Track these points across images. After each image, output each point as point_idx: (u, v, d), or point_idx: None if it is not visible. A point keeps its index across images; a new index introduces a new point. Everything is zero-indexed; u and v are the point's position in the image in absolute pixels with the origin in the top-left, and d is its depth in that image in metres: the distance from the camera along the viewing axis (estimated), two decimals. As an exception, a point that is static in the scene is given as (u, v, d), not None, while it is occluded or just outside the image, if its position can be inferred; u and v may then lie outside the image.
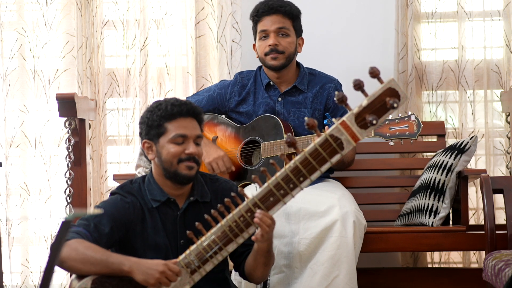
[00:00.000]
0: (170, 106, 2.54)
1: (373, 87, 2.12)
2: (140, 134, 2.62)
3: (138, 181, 2.65)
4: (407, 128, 3.00)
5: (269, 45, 3.29)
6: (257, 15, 3.34)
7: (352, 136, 2.15)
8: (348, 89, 3.41)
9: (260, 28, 3.33)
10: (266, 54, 3.32)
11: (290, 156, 3.19)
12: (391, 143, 3.05)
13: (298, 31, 3.36)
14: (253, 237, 2.42)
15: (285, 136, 3.23)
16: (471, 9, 3.96)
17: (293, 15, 3.33)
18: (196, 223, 2.43)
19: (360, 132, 2.14)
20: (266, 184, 2.31)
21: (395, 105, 2.06)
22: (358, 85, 2.04)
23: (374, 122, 2.08)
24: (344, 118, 2.14)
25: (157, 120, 2.55)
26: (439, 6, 3.98)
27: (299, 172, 2.24)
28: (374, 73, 2.05)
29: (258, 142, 3.34)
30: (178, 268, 2.41)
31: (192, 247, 2.42)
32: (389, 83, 2.09)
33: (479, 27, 3.96)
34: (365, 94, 2.09)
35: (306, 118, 2.13)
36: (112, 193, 2.64)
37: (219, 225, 2.40)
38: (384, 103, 2.09)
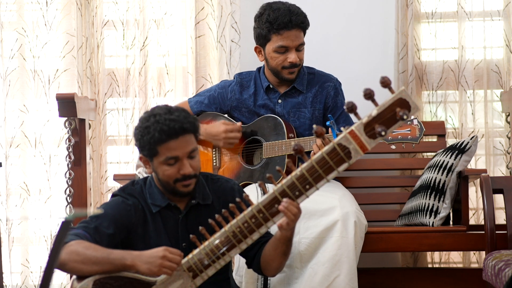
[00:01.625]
0: (158, 133, 2.44)
1: (376, 91, 2.10)
2: (136, 145, 2.57)
3: (140, 183, 2.63)
4: (409, 132, 3.00)
5: (290, 62, 3.26)
6: (276, 27, 3.24)
7: (361, 145, 2.12)
8: (347, 89, 3.45)
9: (279, 43, 3.25)
10: (284, 68, 3.29)
11: (294, 160, 3.22)
12: (393, 147, 3.05)
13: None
14: (277, 224, 2.38)
15: (288, 141, 3.24)
16: (471, 9, 3.96)
17: (308, 26, 3.29)
18: (200, 228, 2.42)
19: (369, 142, 2.11)
20: (271, 191, 2.29)
21: (405, 117, 2.02)
22: (369, 95, 2.01)
23: (383, 133, 2.04)
24: (353, 127, 2.12)
25: (147, 143, 2.47)
26: (439, 6, 3.98)
27: (305, 180, 2.22)
28: (385, 83, 2.01)
29: (260, 141, 3.34)
30: (179, 251, 2.40)
31: (195, 252, 2.41)
32: (400, 93, 2.06)
33: (479, 27, 3.96)
34: (375, 104, 2.05)
35: (314, 126, 2.11)
36: (113, 195, 2.62)
37: (222, 230, 2.39)
38: (394, 114, 2.05)
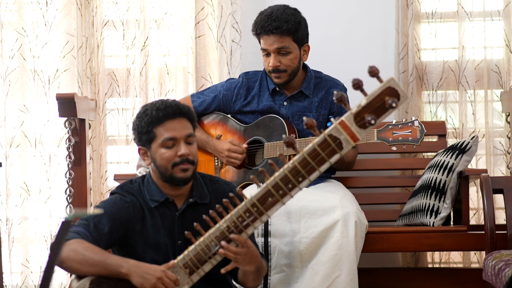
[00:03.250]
0: (155, 111, 2.51)
1: (374, 87, 2.11)
2: (134, 140, 2.61)
3: (138, 181, 2.64)
4: (410, 133, 3.01)
5: (270, 66, 3.28)
6: (256, 32, 3.30)
7: (351, 136, 2.12)
8: (352, 91, 3.44)
9: (261, 46, 3.30)
10: (269, 71, 3.31)
11: (290, 158, 3.21)
12: (394, 148, 3.06)
13: (301, 41, 3.29)
14: (222, 270, 2.41)
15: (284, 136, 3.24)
16: (471, 9, 3.96)
17: (291, 31, 3.25)
18: (195, 224, 2.42)
19: (359, 132, 2.11)
20: (264, 185, 2.28)
21: (394, 104, 2.04)
22: (357, 85, 2.03)
23: (373, 122, 2.06)
24: (343, 117, 2.12)
25: (145, 126, 2.53)
26: (439, 6, 3.98)
27: (298, 172, 2.21)
28: (373, 72, 2.03)
29: (262, 142, 3.34)
30: (176, 276, 2.41)
31: (191, 248, 2.41)
32: (389, 82, 2.07)
33: (479, 27, 3.96)
34: (364, 94, 2.07)
35: (304, 118, 2.11)
36: (111, 193, 2.63)
37: (217, 225, 2.38)
38: (383, 102, 2.07)
